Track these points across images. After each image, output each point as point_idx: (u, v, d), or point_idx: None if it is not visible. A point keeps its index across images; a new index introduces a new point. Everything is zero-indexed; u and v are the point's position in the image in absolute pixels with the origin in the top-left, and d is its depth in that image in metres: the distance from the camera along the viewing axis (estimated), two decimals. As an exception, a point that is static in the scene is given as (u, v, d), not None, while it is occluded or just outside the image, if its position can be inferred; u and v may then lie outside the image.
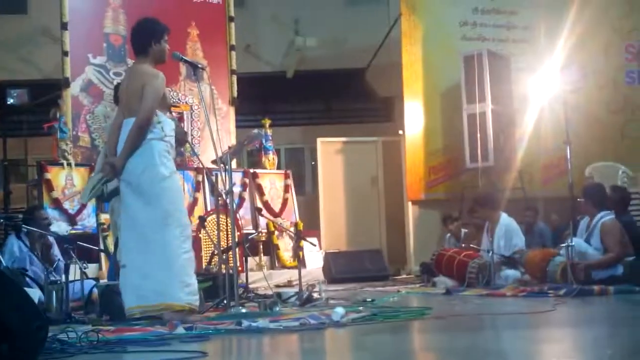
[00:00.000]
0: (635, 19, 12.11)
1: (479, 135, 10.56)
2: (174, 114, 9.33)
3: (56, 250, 7.31)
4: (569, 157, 7.65)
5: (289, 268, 10.45)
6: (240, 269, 7.34)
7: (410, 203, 11.67)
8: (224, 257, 6.55)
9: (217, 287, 6.34)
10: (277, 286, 9.27)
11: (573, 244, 6.71)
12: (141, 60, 5.27)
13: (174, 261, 4.93)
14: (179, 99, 10.79)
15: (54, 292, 5.56)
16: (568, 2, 11.61)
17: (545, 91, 10.68)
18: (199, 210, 9.83)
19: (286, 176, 11.41)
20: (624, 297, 6.11)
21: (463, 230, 9.63)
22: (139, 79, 5.15)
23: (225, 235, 7.19)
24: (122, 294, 5.02)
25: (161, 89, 5.17)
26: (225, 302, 5.74)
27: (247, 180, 10.87)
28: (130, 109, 5.14)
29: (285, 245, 10.81)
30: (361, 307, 5.47)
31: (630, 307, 5.69)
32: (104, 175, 5.18)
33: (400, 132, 12.03)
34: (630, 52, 11.92)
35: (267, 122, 11.46)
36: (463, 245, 8.75)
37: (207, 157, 9.35)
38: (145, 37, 5.26)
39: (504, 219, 7.99)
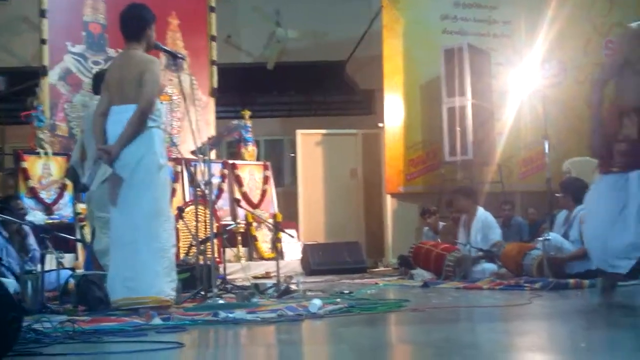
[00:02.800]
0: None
1: (458, 129, 10.59)
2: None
3: (32, 240, 7.22)
4: (547, 151, 7.70)
5: (267, 259, 10.44)
6: (218, 260, 7.33)
7: (389, 196, 11.70)
8: (202, 248, 6.53)
9: (194, 278, 6.31)
10: (255, 277, 9.25)
11: (550, 238, 6.78)
12: (134, 46, 5.16)
13: (164, 254, 4.88)
14: (158, 89, 10.73)
15: (29, 282, 5.49)
16: (548, -2, 11.69)
17: (524, 86, 10.71)
18: (177, 201, 9.78)
19: (265, 168, 11.39)
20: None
21: (441, 224, 9.67)
22: (136, 65, 5.02)
23: (204, 226, 7.17)
24: (108, 284, 4.95)
25: (160, 74, 5.09)
26: (202, 293, 5.73)
27: (226, 172, 10.84)
28: (124, 96, 5.01)
29: (263, 237, 10.80)
30: (339, 299, 5.47)
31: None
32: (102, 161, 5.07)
33: (380, 124, 12.05)
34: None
35: (247, 113, 11.45)
36: (440, 238, 8.80)
37: (186, 147, 9.33)
38: (141, 23, 5.17)
39: (481, 213, 8.04)
